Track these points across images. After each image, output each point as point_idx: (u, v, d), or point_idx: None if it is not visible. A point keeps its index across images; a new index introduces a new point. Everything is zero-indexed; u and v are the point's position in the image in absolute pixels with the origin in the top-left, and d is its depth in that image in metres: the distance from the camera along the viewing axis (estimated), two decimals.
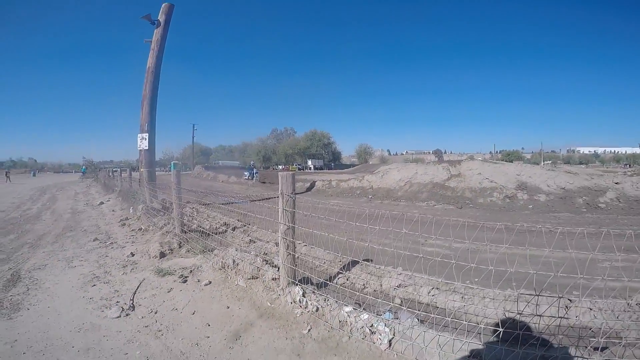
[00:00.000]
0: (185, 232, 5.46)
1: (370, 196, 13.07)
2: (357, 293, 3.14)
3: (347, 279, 3.65)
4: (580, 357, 1.86)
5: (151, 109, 10.35)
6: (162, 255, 4.69)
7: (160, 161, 68.18)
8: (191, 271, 3.97)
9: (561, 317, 2.56)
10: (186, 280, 3.72)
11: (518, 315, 2.49)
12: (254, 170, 23.78)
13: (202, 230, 5.41)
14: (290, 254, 3.03)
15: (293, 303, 2.87)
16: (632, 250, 2.09)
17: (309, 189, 16.03)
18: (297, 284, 3.02)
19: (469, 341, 2.08)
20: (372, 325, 2.41)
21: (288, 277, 3.06)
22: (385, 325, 2.37)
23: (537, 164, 22.93)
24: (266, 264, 3.63)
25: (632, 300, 2.71)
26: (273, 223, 3.37)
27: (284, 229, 3.00)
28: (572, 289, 3.07)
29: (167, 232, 5.64)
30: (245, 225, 6.30)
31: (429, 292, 3.20)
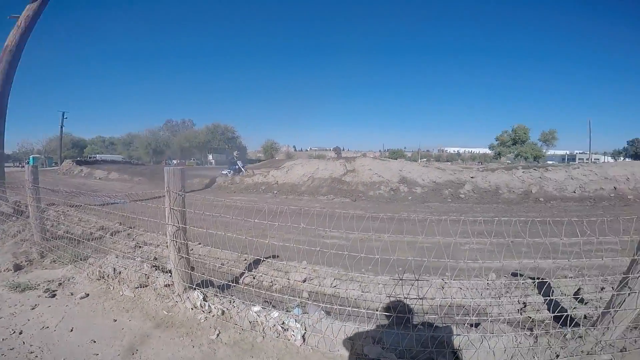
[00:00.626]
0: (49, 240, 4.47)
1: (275, 191, 13.09)
2: (264, 292, 3.09)
3: (254, 278, 3.57)
4: (461, 334, 2.13)
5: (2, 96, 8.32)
6: (18, 267, 3.74)
7: (15, 155, 55.23)
8: (60, 284, 3.27)
9: (442, 298, 3.02)
10: (55, 295, 3.06)
11: (406, 299, 2.84)
12: (238, 165, 18.10)
13: (72, 237, 4.50)
14: (183, 257, 2.76)
15: (194, 308, 2.64)
16: (482, 234, 2.60)
17: (208, 186, 15.07)
18: (195, 289, 2.79)
19: (371, 328, 2.26)
20: (283, 323, 2.39)
21: (184, 282, 2.80)
22: (295, 321, 2.38)
23: (416, 161, 26.81)
24: (156, 269, 3.25)
25: (488, 279, 3.34)
26: (161, 225, 3.03)
27: (173, 230, 2.72)
28: (444, 271, 3.54)
29: (22, 240, 4.54)
30: (129, 229, 5.51)
31: (332, 283, 3.37)
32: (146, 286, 3.08)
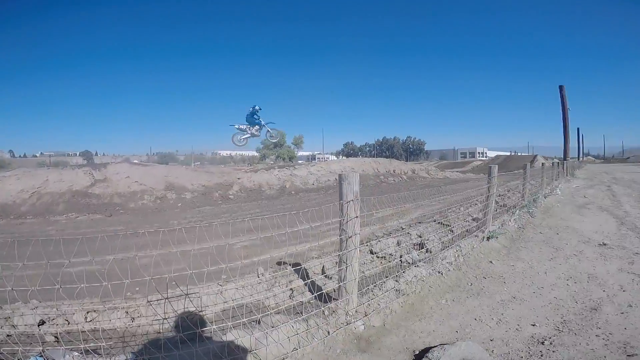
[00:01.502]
0: None
1: None
2: None
3: None
4: (248, 335, 2.03)
5: None
6: None
7: None
8: None
9: (223, 302, 2.89)
10: None
11: (187, 314, 2.54)
12: None
13: None
14: None
15: None
16: (250, 231, 2.68)
17: None
18: None
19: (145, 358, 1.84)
20: None
21: None
22: None
23: (190, 165, 25.86)
24: None
25: (259, 273, 3.43)
26: None
27: None
28: (220, 274, 3.50)
29: None
30: None
31: (86, 317, 2.67)
32: None
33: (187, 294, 2.85)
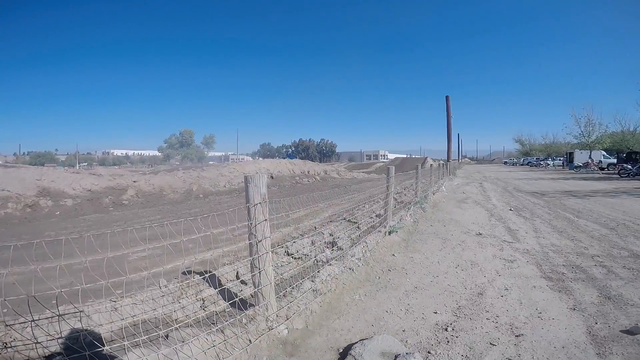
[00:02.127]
0: None
1: None
2: None
3: None
4: (153, 352, 1.77)
5: None
6: None
7: None
8: None
9: (111, 322, 2.41)
10: None
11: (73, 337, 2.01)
12: None
13: None
14: None
15: None
16: (152, 239, 2.31)
17: None
18: None
19: None
20: None
21: None
22: None
23: (73, 166, 21.74)
24: None
25: (160, 285, 3.03)
26: None
27: None
28: (116, 288, 3.01)
29: None
30: None
31: None
32: None
33: (80, 311, 2.37)
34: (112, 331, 2.46)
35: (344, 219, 5.77)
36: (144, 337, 2.06)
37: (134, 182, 11.36)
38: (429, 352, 2.03)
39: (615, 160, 28.48)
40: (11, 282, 1.66)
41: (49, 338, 2.31)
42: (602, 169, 27.88)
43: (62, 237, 1.98)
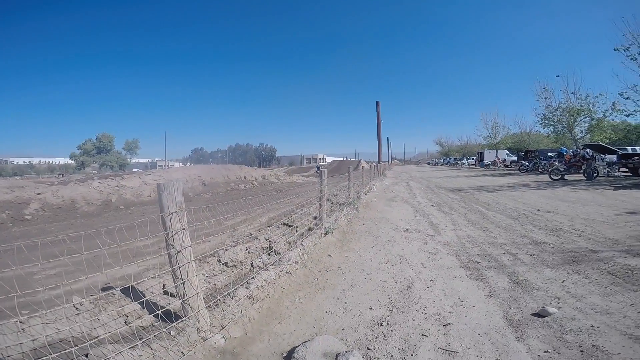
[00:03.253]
0: None
1: None
2: None
3: None
4: None
5: None
6: None
7: None
8: None
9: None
10: None
11: None
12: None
13: None
14: None
15: None
16: (57, 255, 1.97)
17: None
18: None
19: None
20: None
21: None
22: None
23: None
24: None
25: (77, 301, 2.67)
26: None
27: None
28: (21, 309, 2.54)
29: None
30: None
31: None
32: None
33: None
34: (22, 352, 2.12)
35: (282, 223, 5.73)
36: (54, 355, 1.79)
37: (38, 194, 9.78)
38: (368, 349, 2.10)
39: (516, 158, 33.08)
40: None
41: None
42: (506, 166, 32.16)
43: None
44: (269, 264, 3.46)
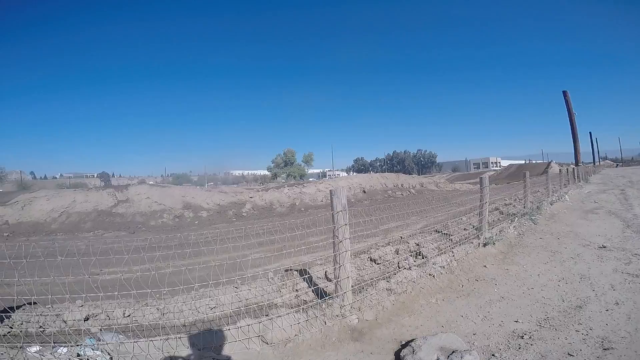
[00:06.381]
0: None
1: (6, 234, 9.62)
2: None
3: (11, 328, 2.86)
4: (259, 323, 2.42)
5: None
6: None
7: None
8: None
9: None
10: None
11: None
12: None
13: None
14: None
15: None
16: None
17: None
18: None
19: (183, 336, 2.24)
20: (78, 355, 2.12)
21: None
22: (93, 350, 2.12)
23: (203, 185, 26.68)
24: None
25: (269, 277, 3.86)
26: None
27: None
28: (237, 279, 3.81)
29: None
30: None
31: (124, 313, 3.12)
32: None
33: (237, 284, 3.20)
34: (236, 308, 3.27)
35: (435, 230, 5.73)
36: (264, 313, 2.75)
37: (251, 197, 13.37)
38: (492, 355, 2.05)
39: None
40: (169, 272, 2.55)
41: (190, 309, 3.22)
42: None
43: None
44: (413, 265, 3.68)
